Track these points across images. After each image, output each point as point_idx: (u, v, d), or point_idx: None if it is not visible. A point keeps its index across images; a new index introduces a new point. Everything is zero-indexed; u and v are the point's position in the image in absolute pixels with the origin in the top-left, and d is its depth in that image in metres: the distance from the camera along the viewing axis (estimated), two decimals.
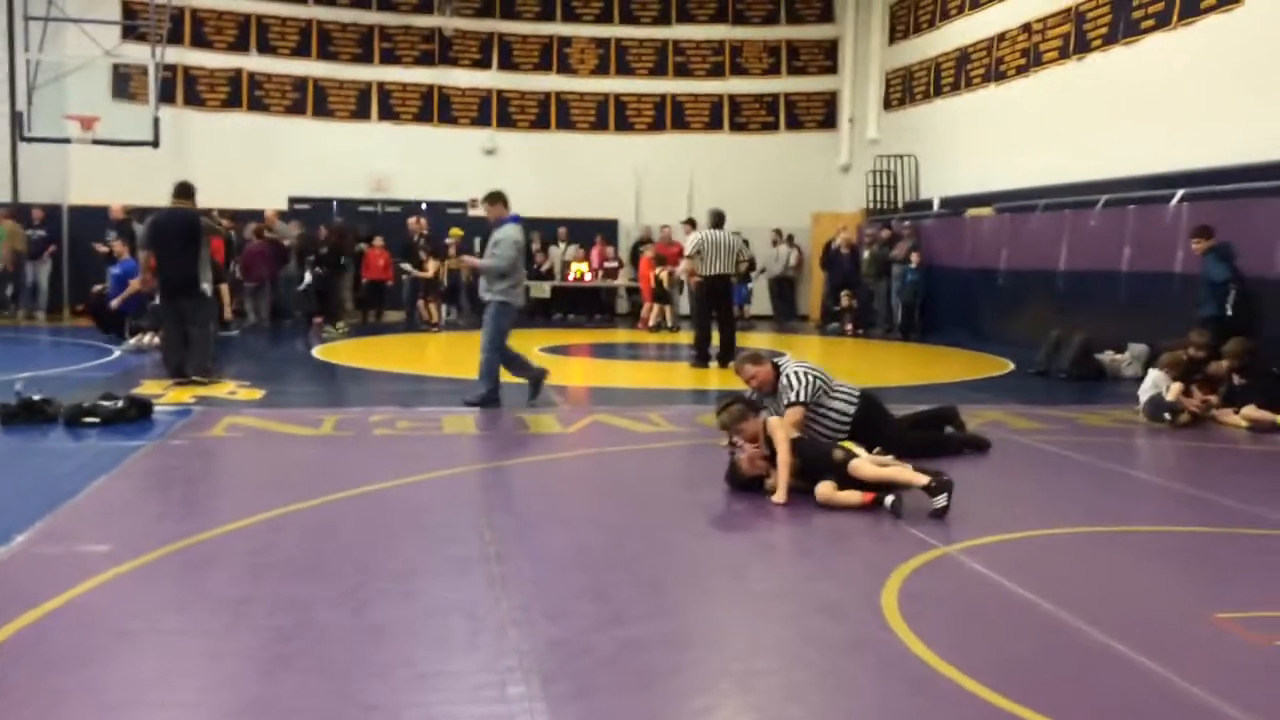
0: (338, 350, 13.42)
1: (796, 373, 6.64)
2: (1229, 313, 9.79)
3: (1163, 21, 13.03)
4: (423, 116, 20.39)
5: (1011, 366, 12.60)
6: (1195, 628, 3.84)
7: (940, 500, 5.23)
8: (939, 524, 5.21)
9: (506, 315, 8.89)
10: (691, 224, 15.34)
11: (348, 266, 17.21)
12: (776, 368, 6.69)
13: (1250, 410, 8.34)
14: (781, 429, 5.81)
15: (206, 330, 9.98)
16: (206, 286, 9.70)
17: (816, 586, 4.32)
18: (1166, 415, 8.40)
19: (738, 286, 18.56)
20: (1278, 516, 5.53)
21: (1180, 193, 11.77)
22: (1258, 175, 11.03)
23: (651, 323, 17.50)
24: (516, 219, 9.22)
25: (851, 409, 6.73)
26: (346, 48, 20.09)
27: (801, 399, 6.53)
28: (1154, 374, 8.85)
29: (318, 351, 13.18)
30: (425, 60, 20.38)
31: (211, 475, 6.38)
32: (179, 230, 9.59)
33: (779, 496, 5.56)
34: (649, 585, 4.24)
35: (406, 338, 15.86)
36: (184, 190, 9.90)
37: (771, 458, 5.70)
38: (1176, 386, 8.49)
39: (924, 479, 5.35)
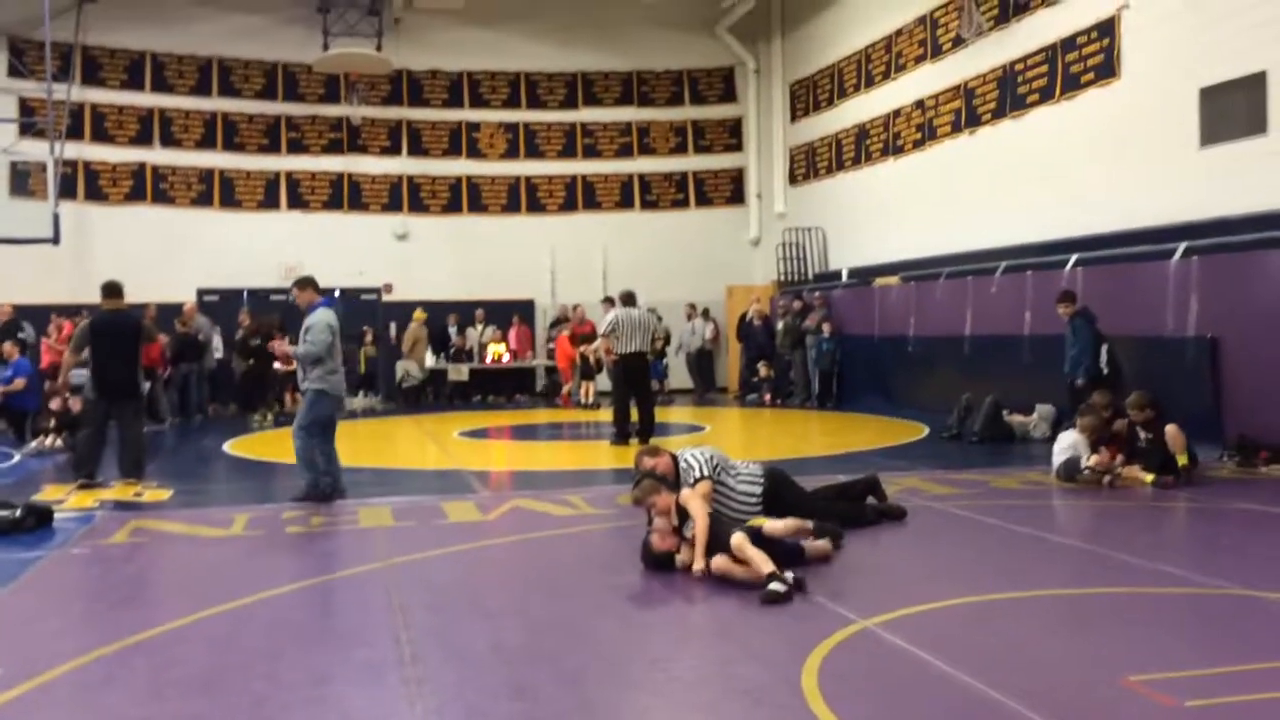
0: (251, 444, 13.11)
1: (693, 454, 6.70)
2: (1104, 371, 10.21)
3: (1046, 96, 13.67)
4: (333, 204, 20.32)
5: (925, 431, 12.85)
6: (1107, 692, 3.90)
7: (774, 587, 5.21)
8: (857, 598, 5.24)
9: (323, 404, 8.67)
10: (610, 302, 15.47)
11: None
12: (674, 458, 6.70)
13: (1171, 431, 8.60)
14: (695, 498, 5.87)
15: (141, 431, 9.75)
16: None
17: (737, 670, 4.29)
18: (1105, 479, 8.58)
19: (654, 362, 18.77)
20: (1182, 574, 5.68)
21: (1074, 258, 12.25)
22: (1139, 240, 11.56)
23: (585, 400, 17.58)
24: (329, 303, 9.08)
25: (758, 489, 6.76)
26: (253, 138, 19.99)
27: (705, 473, 6.55)
28: (1071, 436, 9.07)
29: (230, 446, 12.86)
30: (334, 148, 20.38)
31: (114, 586, 6.13)
32: (123, 332, 9.49)
33: (698, 564, 5.59)
34: (570, 680, 4.17)
35: None
36: (115, 290, 9.69)
37: (681, 529, 5.76)
38: (1098, 454, 8.70)
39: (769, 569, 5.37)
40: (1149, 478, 8.54)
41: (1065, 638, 4.70)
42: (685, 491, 6.00)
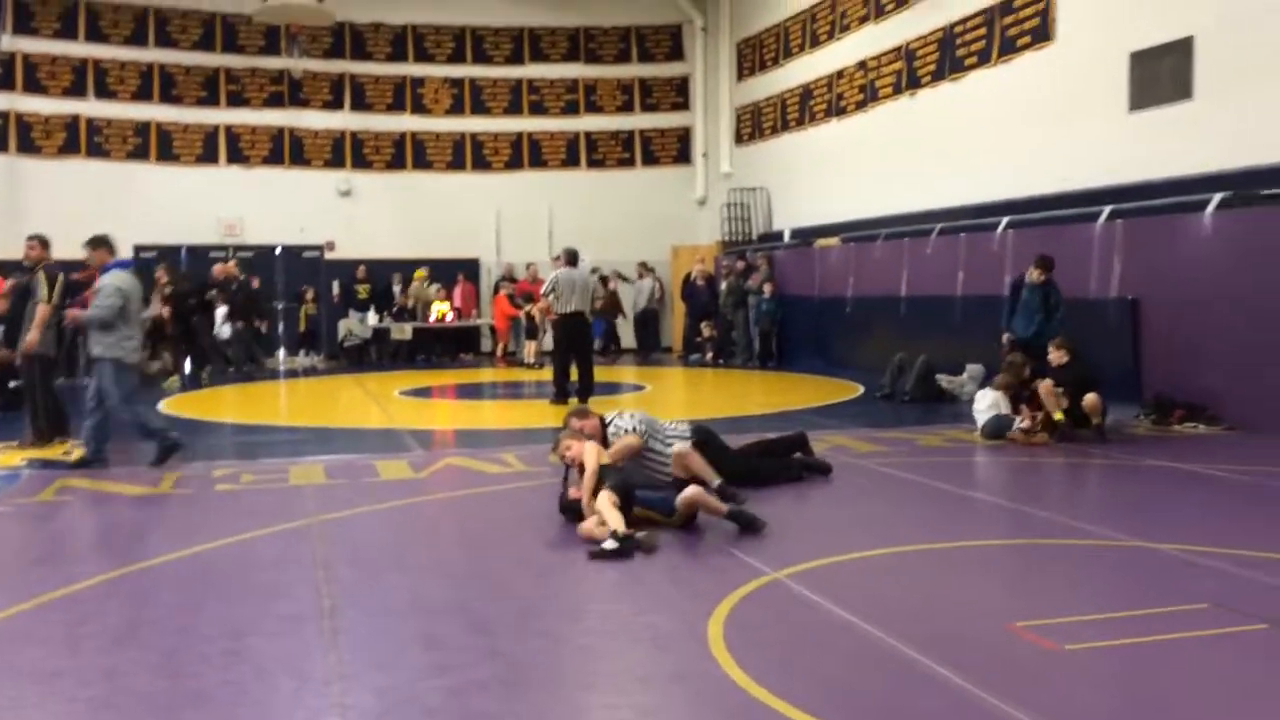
0: (186, 402, 13.02)
1: (621, 422, 6.71)
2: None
3: (984, 59, 13.82)
4: (274, 159, 20.04)
5: (860, 390, 13.08)
6: (994, 637, 4.09)
7: (605, 545, 5.35)
8: (773, 551, 5.40)
9: (125, 376, 8.24)
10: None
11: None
12: (604, 421, 6.77)
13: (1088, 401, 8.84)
14: (592, 449, 6.00)
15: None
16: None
17: (647, 619, 4.43)
18: (1021, 428, 8.84)
19: (596, 321, 18.86)
20: (1085, 527, 5.91)
21: (1004, 220, 12.47)
22: (1070, 203, 11.79)
23: (529, 360, 17.64)
24: (127, 264, 8.74)
25: (685, 446, 6.89)
26: (191, 91, 19.62)
27: (635, 429, 6.64)
28: (991, 395, 9.32)
29: (165, 405, 12.76)
30: (275, 102, 20.07)
31: (35, 543, 6.13)
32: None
33: (585, 505, 5.75)
34: (482, 630, 4.28)
35: (258, 387, 15.49)
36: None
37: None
38: (1025, 416, 8.94)
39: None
40: (1059, 415, 8.79)
41: (963, 587, 4.90)
42: (589, 445, 6.10)
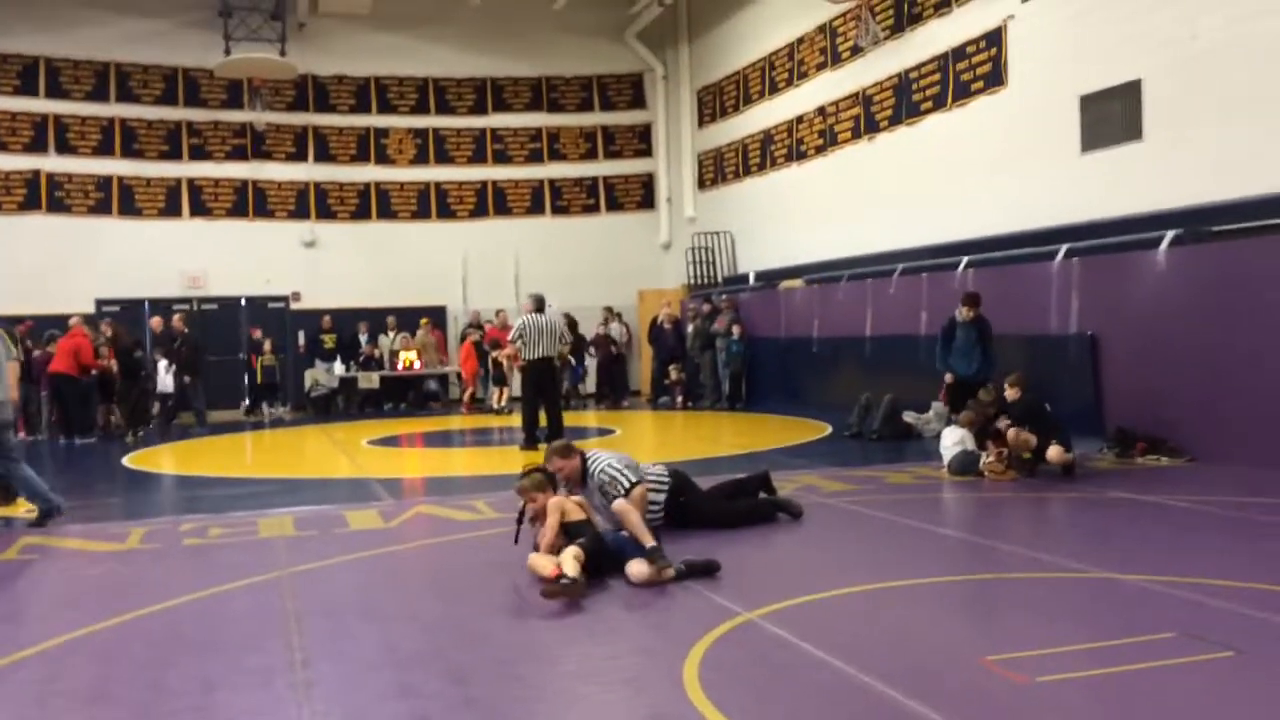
0: (151, 457, 12.88)
1: (609, 468, 6.51)
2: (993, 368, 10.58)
3: (939, 103, 14.14)
4: (238, 211, 20.03)
5: (828, 430, 13.17)
6: (965, 672, 4.13)
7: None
8: (746, 591, 5.42)
9: (4, 429, 8.19)
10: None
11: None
12: (584, 460, 6.75)
13: (1053, 454, 8.93)
14: (555, 512, 5.98)
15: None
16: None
17: (622, 663, 4.43)
18: (984, 463, 8.95)
19: (575, 367, 18.95)
20: (1052, 560, 5.99)
21: (964, 260, 12.69)
22: (1027, 242, 12.03)
23: (496, 405, 17.68)
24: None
25: (662, 494, 6.92)
26: (153, 144, 19.61)
27: (632, 481, 6.43)
28: (956, 431, 9.44)
29: (129, 460, 12.62)
30: (238, 155, 20.09)
31: (2, 602, 6.03)
32: None
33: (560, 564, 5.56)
34: (457, 678, 4.27)
35: (224, 439, 15.36)
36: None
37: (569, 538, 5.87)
38: (991, 454, 9.04)
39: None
40: (1026, 455, 8.91)
41: (935, 623, 4.94)
42: (554, 502, 6.09)
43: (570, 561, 5.50)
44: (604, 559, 5.83)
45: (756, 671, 4.26)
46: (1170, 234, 10.01)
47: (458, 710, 3.90)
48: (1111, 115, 11.44)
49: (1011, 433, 8.95)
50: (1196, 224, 10.01)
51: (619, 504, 6.15)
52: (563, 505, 6.08)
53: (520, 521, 6.19)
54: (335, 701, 4.03)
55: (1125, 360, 10.34)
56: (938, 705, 3.72)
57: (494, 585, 5.89)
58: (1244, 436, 9.11)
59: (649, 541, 5.85)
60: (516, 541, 6.18)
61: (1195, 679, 4.00)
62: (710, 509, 7.24)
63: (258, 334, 18.97)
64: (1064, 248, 11.20)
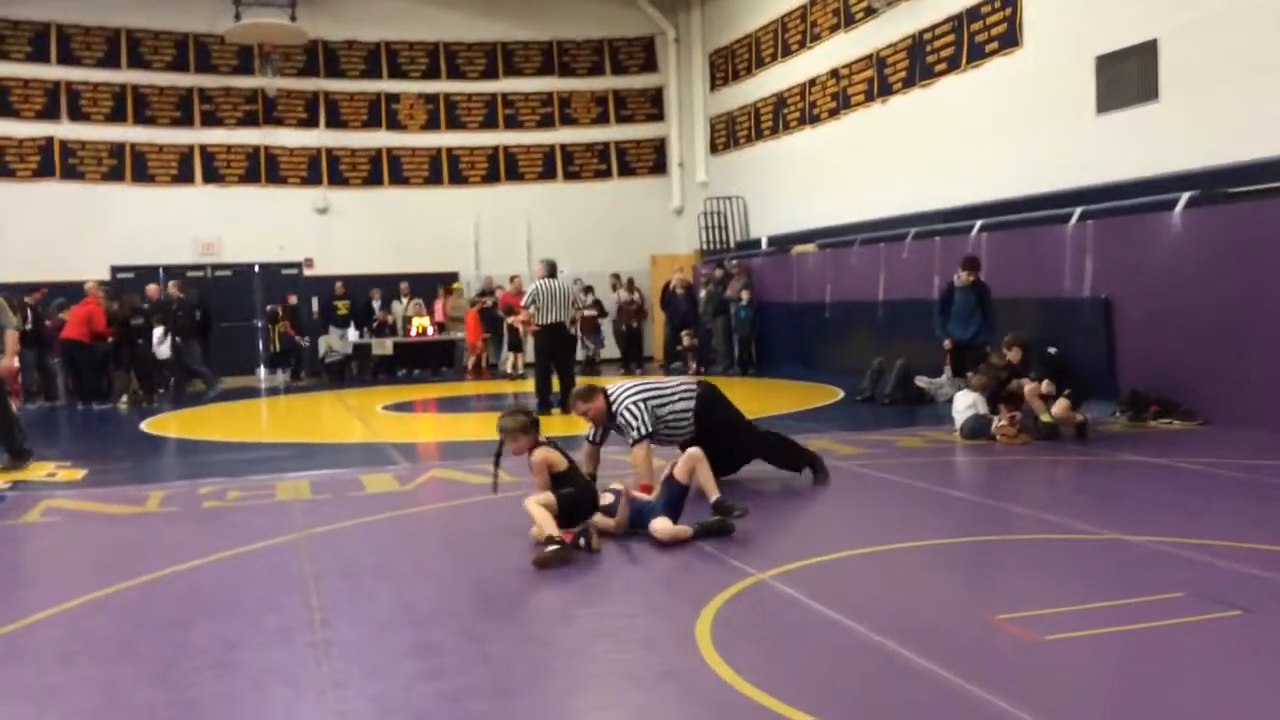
0: (167, 422, 13.00)
1: (629, 407, 6.83)
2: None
3: (953, 65, 14.02)
4: (250, 178, 20.05)
5: (840, 395, 13.20)
6: (975, 630, 4.18)
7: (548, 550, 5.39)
8: (758, 552, 5.48)
9: None
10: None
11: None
12: (608, 399, 6.91)
13: (1059, 408, 8.95)
14: (541, 470, 5.88)
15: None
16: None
17: (637, 622, 4.50)
18: (996, 426, 8.97)
19: (595, 333, 18.97)
20: (1063, 521, 6.02)
21: (978, 223, 12.63)
22: (1041, 205, 11.96)
23: (511, 370, 17.77)
24: None
25: (690, 402, 7.07)
26: (165, 111, 19.62)
27: (644, 433, 6.79)
28: (969, 395, 9.45)
29: (146, 425, 12.74)
30: (249, 121, 20.08)
31: (23, 564, 6.14)
32: None
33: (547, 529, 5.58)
34: (473, 636, 4.34)
35: (239, 405, 15.48)
36: None
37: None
38: (1003, 418, 9.05)
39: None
40: (1046, 417, 8.93)
41: (945, 583, 4.99)
42: (540, 454, 5.96)
43: (544, 515, 5.55)
44: (579, 508, 5.85)
45: (768, 630, 4.32)
46: (1186, 196, 9.94)
47: (474, 667, 3.97)
48: (1127, 76, 11.34)
49: (1030, 387, 8.95)
50: (1213, 186, 9.94)
51: (634, 458, 6.38)
52: (547, 460, 5.97)
53: (498, 463, 6.15)
54: (354, 659, 4.11)
55: (1139, 324, 10.31)
56: (947, 663, 3.77)
57: (508, 547, 5.95)
58: (1258, 400, 9.10)
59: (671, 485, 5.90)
60: (496, 489, 6.14)
61: (1204, 638, 4.03)
62: (740, 422, 7.38)
63: (293, 299, 19.00)
64: (1079, 210, 11.14)
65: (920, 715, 3.43)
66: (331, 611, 4.74)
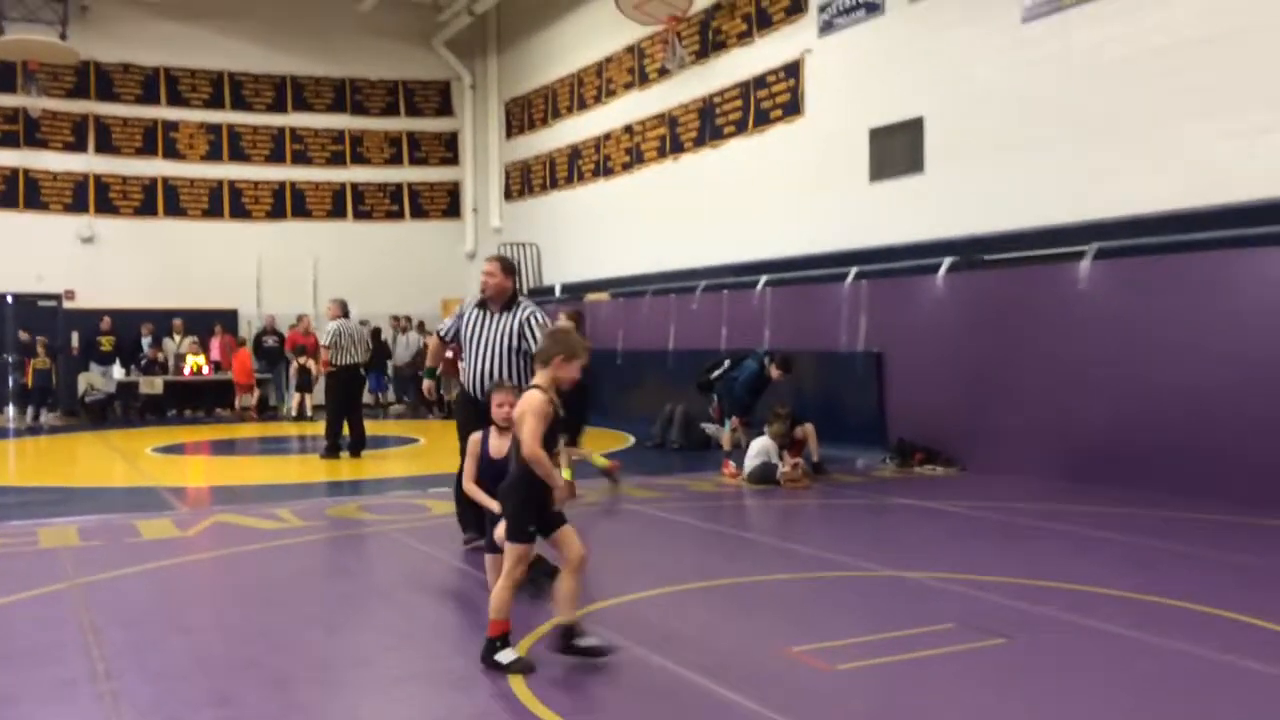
0: None
1: (537, 316, 6.97)
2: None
3: (741, 128, 14.78)
4: (6, 201, 18.60)
5: (632, 440, 13.49)
6: (774, 663, 4.42)
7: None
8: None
9: None
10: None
11: None
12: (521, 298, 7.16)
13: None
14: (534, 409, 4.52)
15: None
16: None
17: (447, 665, 4.48)
18: (780, 472, 9.47)
19: (377, 375, 18.56)
20: (844, 560, 6.43)
21: (763, 279, 13.31)
22: (820, 263, 12.76)
23: (294, 413, 17.12)
24: None
25: None
26: None
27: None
28: (763, 442, 9.87)
29: None
30: (8, 141, 18.66)
31: None
32: None
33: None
34: (276, 685, 4.20)
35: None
36: None
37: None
38: (788, 463, 9.56)
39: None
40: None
41: (743, 619, 5.24)
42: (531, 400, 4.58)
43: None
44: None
45: (581, 667, 4.40)
46: (947, 261, 10.86)
47: (283, 716, 3.86)
48: (897, 148, 12.31)
49: (807, 429, 9.64)
50: (970, 252, 10.91)
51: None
52: (543, 402, 4.56)
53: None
54: (148, 711, 3.90)
55: (906, 376, 11.12)
56: (748, 693, 3.97)
57: (306, 593, 5.79)
58: (1011, 448, 9.99)
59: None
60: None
61: (972, 663, 4.42)
62: None
63: (25, 336, 17.67)
64: (854, 270, 11.94)
65: None
66: (116, 663, 4.47)
